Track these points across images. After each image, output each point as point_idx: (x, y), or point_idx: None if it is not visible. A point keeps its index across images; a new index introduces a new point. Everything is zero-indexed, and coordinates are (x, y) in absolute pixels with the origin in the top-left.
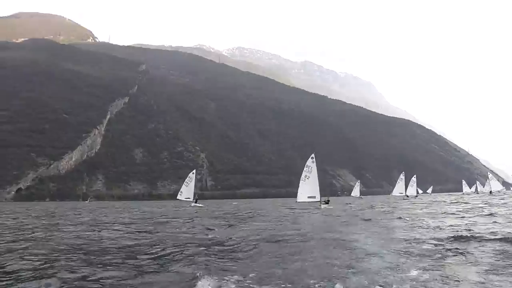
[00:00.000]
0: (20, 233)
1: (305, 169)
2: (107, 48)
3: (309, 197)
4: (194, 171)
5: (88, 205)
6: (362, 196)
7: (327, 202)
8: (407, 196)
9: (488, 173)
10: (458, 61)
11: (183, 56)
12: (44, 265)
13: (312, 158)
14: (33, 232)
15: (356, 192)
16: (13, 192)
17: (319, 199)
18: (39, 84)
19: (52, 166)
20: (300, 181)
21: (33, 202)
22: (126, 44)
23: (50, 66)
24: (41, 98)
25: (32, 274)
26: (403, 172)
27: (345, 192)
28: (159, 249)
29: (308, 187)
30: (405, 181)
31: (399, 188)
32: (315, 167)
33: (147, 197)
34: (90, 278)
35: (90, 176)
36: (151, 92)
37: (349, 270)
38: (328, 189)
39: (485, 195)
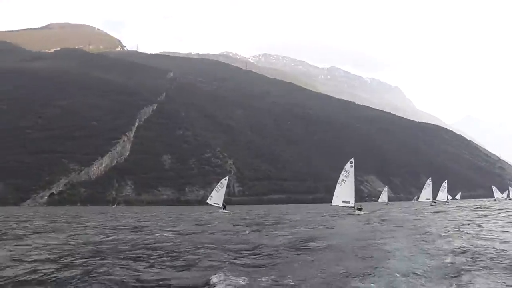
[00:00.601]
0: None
1: (342, 172)
2: (135, 56)
3: (343, 201)
4: (226, 177)
5: (115, 209)
6: (390, 202)
7: (360, 209)
8: (435, 202)
9: None
10: (490, 64)
11: (210, 63)
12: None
13: (351, 162)
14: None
15: (383, 198)
16: (46, 197)
17: (353, 205)
18: (71, 93)
19: (83, 172)
20: (337, 185)
21: (65, 206)
22: (153, 52)
23: (80, 75)
24: (73, 106)
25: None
26: (430, 178)
27: (373, 198)
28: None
29: (344, 192)
30: (432, 187)
31: (426, 194)
32: (353, 172)
33: (175, 203)
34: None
35: (120, 182)
36: (179, 99)
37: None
38: (356, 195)
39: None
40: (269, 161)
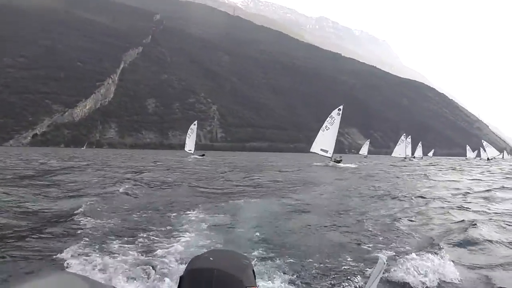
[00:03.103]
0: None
1: (328, 119)
2: None
3: (322, 149)
4: (195, 122)
5: (84, 151)
6: (368, 156)
7: (339, 161)
8: (405, 158)
9: (483, 141)
10: (478, 24)
11: (197, 7)
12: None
13: (339, 109)
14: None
15: (364, 150)
16: (29, 138)
17: (331, 155)
18: (56, 33)
19: (66, 113)
20: (319, 131)
21: (48, 147)
22: None
23: (65, 15)
24: (57, 46)
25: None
26: (404, 134)
27: (352, 150)
28: None
29: (325, 139)
30: (405, 143)
31: (399, 150)
32: (339, 121)
33: (158, 147)
34: None
35: (104, 124)
36: (165, 43)
37: None
38: (337, 146)
39: (481, 161)
40: (253, 109)
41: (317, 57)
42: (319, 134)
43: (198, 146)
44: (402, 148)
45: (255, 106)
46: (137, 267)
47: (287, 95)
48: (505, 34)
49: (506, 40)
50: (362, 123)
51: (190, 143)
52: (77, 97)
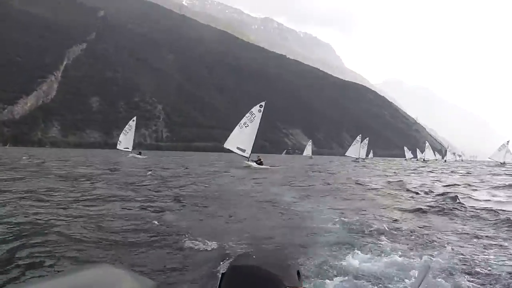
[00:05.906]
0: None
1: (247, 115)
2: None
3: (239, 148)
4: (134, 118)
5: (9, 150)
6: (313, 156)
7: (259, 162)
8: (357, 159)
9: (426, 142)
10: (413, 29)
11: (142, 4)
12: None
13: (260, 106)
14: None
15: (308, 151)
16: None
17: (248, 155)
18: None
19: (6, 110)
20: (236, 126)
21: None
22: None
23: (2, 6)
24: None
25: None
26: (360, 135)
27: (296, 151)
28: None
29: (242, 137)
30: (361, 144)
31: (353, 150)
32: (259, 118)
33: (103, 146)
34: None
35: (46, 123)
36: (110, 40)
37: None
38: (281, 147)
39: (416, 162)
40: (199, 108)
41: (262, 57)
42: (236, 130)
43: (143, 146)
44: (357, 148)
45: (200, 106)
46: (179, 263)
47: (232, 95)
48: (440, 41)
49: (442, 48)
50: (306, 124)
51: (126, 141)
52: (17, 94)
